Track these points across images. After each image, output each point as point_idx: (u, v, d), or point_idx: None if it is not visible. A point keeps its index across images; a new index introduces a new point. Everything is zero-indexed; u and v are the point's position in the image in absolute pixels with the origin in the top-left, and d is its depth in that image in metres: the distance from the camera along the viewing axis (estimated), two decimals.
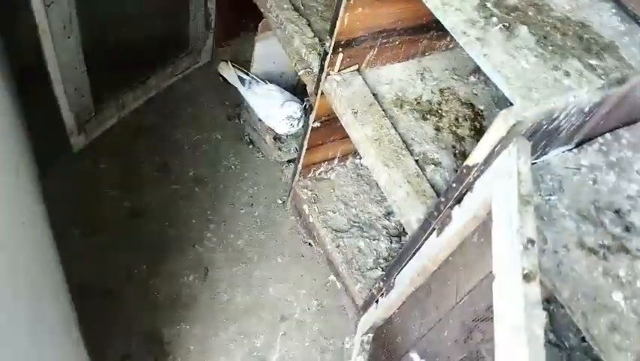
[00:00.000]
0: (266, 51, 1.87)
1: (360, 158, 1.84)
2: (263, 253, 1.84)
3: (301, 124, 1.80)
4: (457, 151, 1.31)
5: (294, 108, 1.80)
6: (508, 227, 0.75)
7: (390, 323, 1.41)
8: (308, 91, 1.53)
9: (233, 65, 1.85)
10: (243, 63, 1.93)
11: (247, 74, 1.85)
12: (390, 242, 1.70)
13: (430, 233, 1.12)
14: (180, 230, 1.84)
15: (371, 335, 1.53)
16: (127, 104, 1.96)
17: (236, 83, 1.84)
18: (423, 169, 1.26)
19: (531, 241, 0.70)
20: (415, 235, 1.17)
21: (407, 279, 1.23)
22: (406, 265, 1.26)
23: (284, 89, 1.87)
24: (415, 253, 1.21)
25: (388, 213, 1.76)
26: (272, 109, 1.83)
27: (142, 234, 1.80)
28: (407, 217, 1.20)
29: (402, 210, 1.22)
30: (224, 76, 1.88)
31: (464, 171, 0.97)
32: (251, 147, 2.09)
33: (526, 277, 0.67)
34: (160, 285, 1.71)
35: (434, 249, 1.10)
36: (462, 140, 1.33)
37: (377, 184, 1.80)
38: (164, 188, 1.93)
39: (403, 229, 1.72)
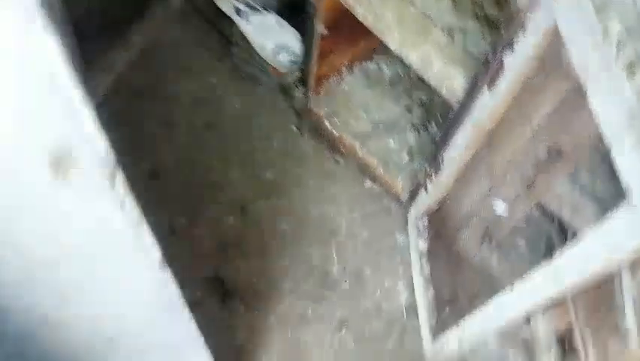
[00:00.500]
0: None
1: (368, 61, 1.82)
2: (293, 180, 1.84)
3: (299, 59, 1.75)
4: (478, 15, 1.30)
5: (293, 42, 1.74)
6: (589, 36, 0.77)
7: (447, 199, 1.45)
8: None
9: None
10: None
11: (243, 3, 1.76)
12: (419, 133, 1.72)
13: (479, 92, 1.13)
14: (205, 178, 1.81)
15: (426, 219, 1.58)
16: (114, 67, 1.86)
17: (232, 14, 1.75)
18: (452, 38, 1.25)
19: (621, 35, 0.71)
20: (463, 100, 1.19)
21: (461, 149, 1.26)
22: (454, 137, 1.29)
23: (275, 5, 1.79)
24: (463, 121, 1.23)
25: (409, 108, 1.77)
26: (269, 42, 1.77)
27: (168, 190, 1.77)
28: (450, 86, 1.21)
29: (442, 82, 1.23)
30: (219, 5, 1.78)
31: (514, 15, 0.97)
32: (250, 82, 2.03)
33: (630, 68, 0.69)
34: (204, 233, 1.71)
35: (488, 106, 1.12)
36: (481, 5, 1.32)
37: (390, 84, 1.80)
38: (176, 142, 1.88)
39: (428, 119, 1.74)
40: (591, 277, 0.90)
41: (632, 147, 0.68)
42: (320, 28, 1.49)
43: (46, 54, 0.36)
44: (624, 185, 0.70)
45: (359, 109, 1.76)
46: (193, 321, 0.72)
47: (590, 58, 0.78)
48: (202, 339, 0.78)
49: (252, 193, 1.80)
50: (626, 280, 1.13)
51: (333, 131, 1.76)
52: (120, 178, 0.47)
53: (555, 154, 1.15)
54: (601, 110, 0.74)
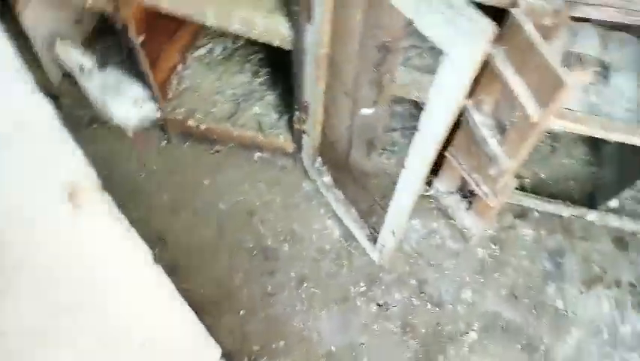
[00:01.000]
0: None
1: (196, 48, 1.85)
2: (188, 193, 1.84)
3: (154, 101, 1.74)
4: None
5: (142, 94, 1.71)
6: None
7: (326, 132, 1.59)
8: (113, 13, 1.46)
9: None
10: None
11: (88, 58, 1.68)
12: (274, 91, 1.82)
13: (304, 28, 1.25)
14: None
15: (319, 158, 1.72)
16: None
17: (75, 71, 1.68)
18: None
19: None
20: (294, 42, 1.30)
21: (315, 82, 1.38)
22: (305, 77, 1.41)
23: None
24: (305, 60, 1.35)
25: (254, 72, 1.85)
26: (130, 112, 1.73)
27: None
28: (278, 35, 1.32)
29: (270, 35, 1.32)
30: (63, 59, 1.69)
31: None
32: (95, 125, 1.94)
33: None
34: None
35: (316, 37, 1.25)
36: None
37: (227, 60, 1.86)
38: None
39: (275, 74, 1.84)
40: (448, 123, 1.08)
41: (426, 15, 0.84)
42: (136, 38, 1.49)
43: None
44: (437, 45, 0.87)
45: (212, 95, 1.81)
46: (195, 317, 0.78)
47: None
48: (208, 335, 0.85)
49: (161, 222, 1.78)
50: (476, 117, 1.37)
51: (200, 126, 1.79)
52: (106, 195, 0.61)
53: (384, 50, 1.32)
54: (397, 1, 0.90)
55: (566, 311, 1.63)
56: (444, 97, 0.96)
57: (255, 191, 1.84)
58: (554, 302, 1.64)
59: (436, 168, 1.70)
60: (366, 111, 1.28)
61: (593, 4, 1.12)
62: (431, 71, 1.43)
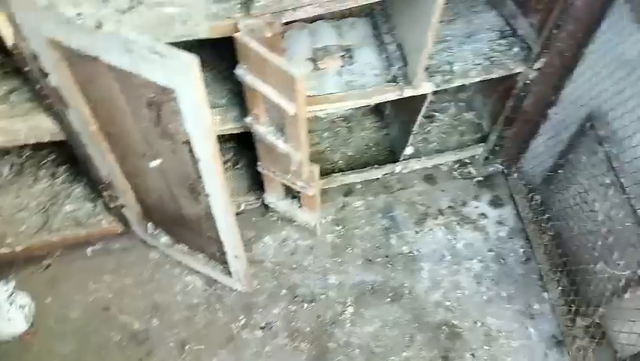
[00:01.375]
0: None
1: None
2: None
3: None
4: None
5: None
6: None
7: (139, 195, 1.62)
8: None
9: None
10: None
11: None
12: (79, 183, 1.80)
13: (65, 115, 1.29)
14: None
15: (149, 224, 1.74)
16: None
17: None
18: (10, 100, 1.35)
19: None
20: (65, 128, 1.33)
21: (101, 154, 1.42)
22: (89, 152, 1.44)
23: None
24: (81, 140, 1.38)
25: (52, 176, 1.81)
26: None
27: None
28: (47, 131, 1.33)
29: (38, 135, 1.34)
30: None
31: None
32: None
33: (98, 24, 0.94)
34: None
35: (79, 118, 1.30)
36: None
37: (18, 175, 1.79)
38: None
39: (71, 166, 1.82)
40: (213, 142, 1.22)
41: (144, 66, 0.96)
42: None
43: None
44: (167, 86, 0.99)
45: (15, 214, 1.72)
46: None
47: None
48: None
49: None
50: (260, 129, 1.54)
51: (16, 249, 1.69)
52: None
53: (155, 105, 1.41)
54: (112, 60, 1.00)
55: (412, 253, 1.87)
56: (196, 124, 1.08)
57: (103, 285, 1.78)
58: (401, 250, 1.87)
59: (261, 185, 1.84)
60: (154, 163, 1.35)
61: (293, 9, 1.34)
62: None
